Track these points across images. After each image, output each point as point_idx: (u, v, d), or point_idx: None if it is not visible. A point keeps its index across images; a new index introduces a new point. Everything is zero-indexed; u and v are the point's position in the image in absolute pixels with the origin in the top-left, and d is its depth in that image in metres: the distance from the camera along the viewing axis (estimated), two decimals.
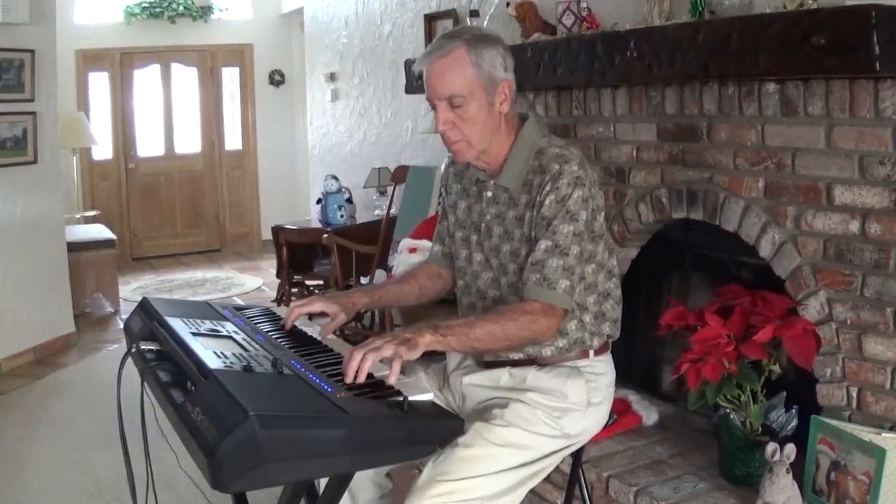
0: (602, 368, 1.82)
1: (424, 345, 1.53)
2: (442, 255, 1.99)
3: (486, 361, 1.82)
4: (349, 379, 1.45)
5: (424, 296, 2.00)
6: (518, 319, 1.61)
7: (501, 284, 1.79)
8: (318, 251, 5.03)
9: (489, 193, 1.80)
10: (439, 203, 4.35)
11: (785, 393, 2.23)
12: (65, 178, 5.52)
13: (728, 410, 2.17)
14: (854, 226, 1.99)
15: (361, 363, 1.46)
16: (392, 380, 1.46)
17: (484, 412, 1.71)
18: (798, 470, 1.99)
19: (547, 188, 1.66)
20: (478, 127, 1.70)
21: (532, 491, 1.72)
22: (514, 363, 1.78)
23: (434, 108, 1.71)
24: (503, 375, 1.77)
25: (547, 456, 1.70)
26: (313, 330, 1.83)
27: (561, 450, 1.73)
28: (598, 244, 1.72)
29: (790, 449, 1.94)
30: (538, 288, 1.64)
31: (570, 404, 1.72)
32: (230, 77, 7.91)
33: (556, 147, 1.72)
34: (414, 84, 3.68)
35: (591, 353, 1.80)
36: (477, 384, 1.80)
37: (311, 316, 1.88)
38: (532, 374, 1.75)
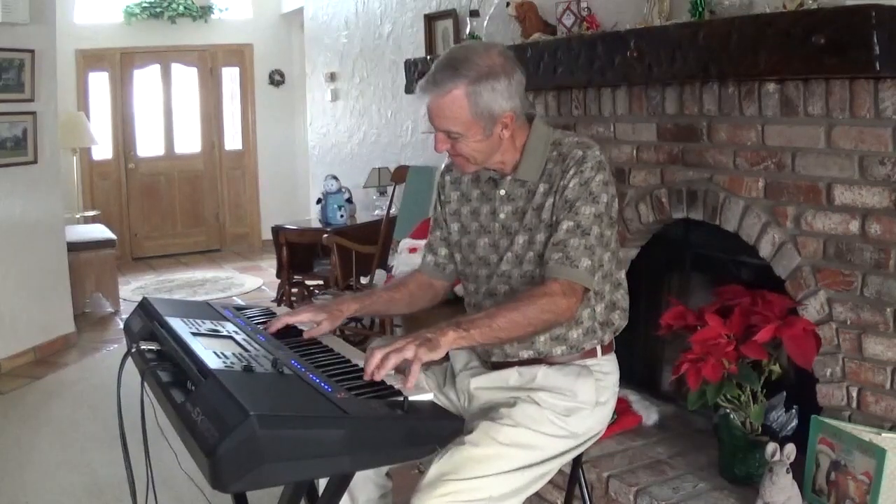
0: (609, 368, 1.83)
1: (448, 344, 1.51)
2: (434, 265, 1.97)
3: (494, 362, 1.82)
4: (367, 377, 1.46)
5: (415, 305, 1.99)
6: (537, 302, 1.60)
7: (513, 277, 1.78)
8: (318, 251, 5.03)
9: (502, 192, 1.79)
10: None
11: (785, 393, 2.23)
12: (65, 178, 5.52)
13: (728, 410, 2.17)
14: (854, 226, 1.99)
15: (383, 362, 1.46)
16: (410, 384, 1.46)
17: (491, 411, 1.71)
18: (798, 470, 1.99)
19: (571, 172, 1.68)
20: (474, 153, 1.72)
21: None
22: (523, 363, 1.78)
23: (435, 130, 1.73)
24: (512, 375, 1.77)
25: (554, 457, 1.70)
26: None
27: (567, 451, 1.73)
28: (612, 231, 1.74)
29: (790, 449, 1.94)
30: (560, 266, 1.64)
31: (580, 403, 1.73)
32: (230, 77, 7.91)
33: (573, 136, 1.76)
34: (414, 84, 3.68)
35: (599, 350, 1.80)
36: (485, 387, 1.80)
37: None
38: (542, 373, 1.75)
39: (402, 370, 1.50)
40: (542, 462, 1.68)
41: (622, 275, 1.85)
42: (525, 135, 1.77)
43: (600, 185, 1.68)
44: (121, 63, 7.36)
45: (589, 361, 1.79)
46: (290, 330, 1.81)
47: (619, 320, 1.84)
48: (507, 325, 1.57)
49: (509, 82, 1.67)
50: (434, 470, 1.55)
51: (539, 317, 1.61)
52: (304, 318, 1.81)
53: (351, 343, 2.19)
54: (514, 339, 1.71)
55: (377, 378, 1.46)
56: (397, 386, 1.48)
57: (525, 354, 1.77)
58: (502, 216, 1.79)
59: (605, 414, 1.81)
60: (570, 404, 1.72)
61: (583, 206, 1.67)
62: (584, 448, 1.80)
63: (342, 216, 5.02)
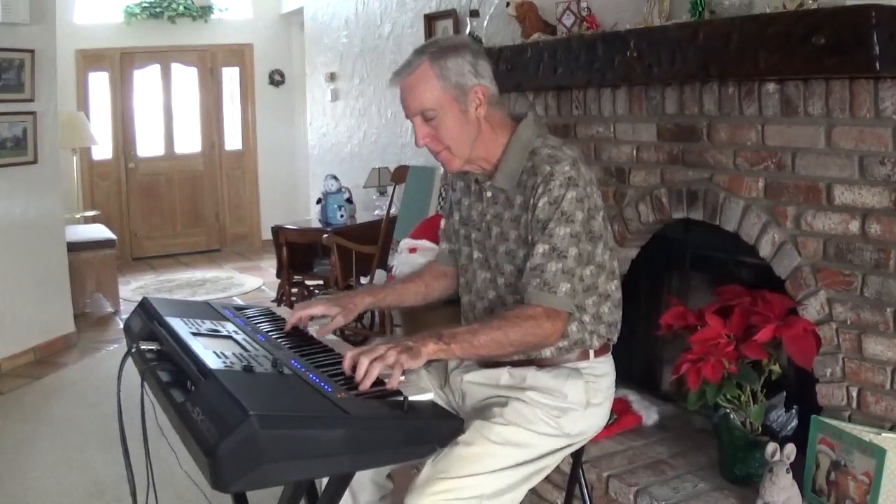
0: (602, 370, 1.82)
1: (427, 354, 1.53)
2: (449, 252, 1.99)
3: (486, 361, 1.82)
4: (362, 387, 1.45)
5: (430, 296, 2.00)
6: (522, 325, 1.62)
7: (499, 284, 1.79)
8: (318, 251, 5.03)
9: (488, 193, 1.80)
10: (441, 202, 4.37)
11: (785, 393, 2.23)
12: (65, 178, 5.52)
13: (728, 410, 2.17)
14: (854, 226, 1.99)
15: (369, 370, 1.46)
16: (392, 386, 1.47)
17: (483, 410, 1.71)
18: (798, 470, 1.99)
19: (539, 190, 1.66)
20: (455, 136, 1.71)
21: (532, 491, 1.72)
22: (514, 363, 1.78)
23: (413, 123, 1.72)
24: (503, 375, 1.77)
25: (546, 455, 1.70)
26: (311, 330, 1.84)
27: (560, 449, 1.73)
28: (597, 245, 1.71)
29: (790, 449, 1.94)
30: (539, 293, 1.64)
31: (570, 404, 1.73)
32: (230, 77, 7.91)
33: (548, 148, 1.71)
34: None
35: (592, 354, 1.80)
36: (477, 382, 1.80)
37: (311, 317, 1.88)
38: (532, 374, 1.75)
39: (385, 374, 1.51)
40: (535, 460, 1.68)
41: (612, 287, 1.81)
42: (508, 135, 1.76)
43: (572, 203, 1.64)
44: (121, 63, 7.36)
45: (580, 364, 1.78)
46: (292, 328, 1.82)
47: (608, 333, 1.83)
48: (489, 343, 1.59)
49: (475, 59, 1.70)
50: (427, 469, 1.56)
51: (522, 339, 1.63)
52: (317, 311, 1.83)
53: (351, 343, 2.19)
54: (494, 358, 1.72)
55: (363, 388, 1.45)
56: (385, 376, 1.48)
57: (515, 357, 1.77)
58: (488, 217, 1.80)
59: (599, 415, 1.80)
60: (561, 405, 1.72)
61: (556, 227, 1.64)
62: (577, 447, 1.80)
63: (342, 216, 5.02)
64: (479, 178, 1.83)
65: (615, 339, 1.86)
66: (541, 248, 1.65)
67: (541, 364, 1.77)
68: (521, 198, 1.72)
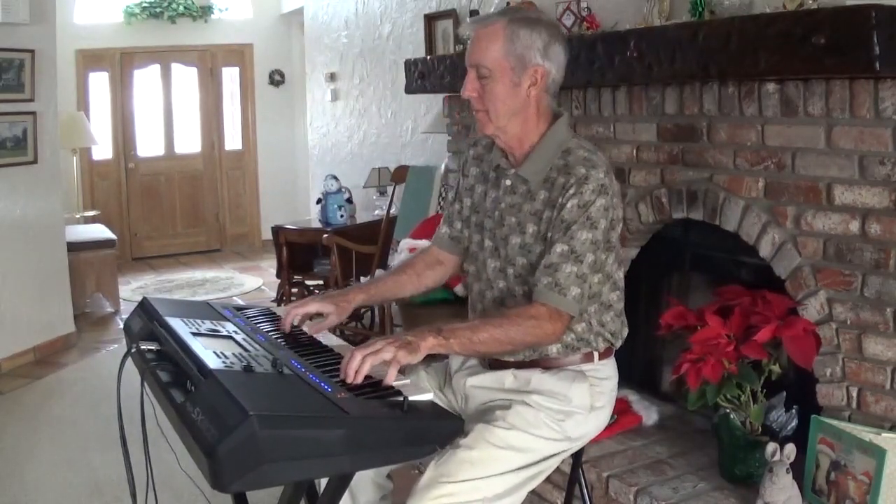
0: (606, 373, 1.81)
1: (426, 349, 1.53)
2: (449, 238, 1.96)
3: (491, 362, 1.81)
4: (349, 379, 1.46)
5: (423, 285, 1.98)
6: (522, 324, 1.61)
7: (508, 274, 1.78)
8: (318, 251, 5.03)
9: (507, 182, 1.78)
10: (440, 201, 4.37)
11: (785, 393, 2.23)
12: (65, 178, 5.52)
13: (728, 410, 2.17)
14: (854, 226, 1.99)
15: (361, 365, 1.46)
16: (388, 382, 1.47)
17: (486, 414, 1.71)
18: (798, 470, 1.99)
19: (571, 191, 1.65)
20: (498, 103, 1.70)
21: (532, 491, 1.72)
22: (519, 365, 1.77)
23: (468, 73, 1.73)
24: (508, 377, 1.77)
25: (547, 458, 1.70)
26: (304, 327, 1.83)
27: (561, 452, 1.73)
28: (609, 255, 1.71)
29: (790, 449, 1.94)
30: (549, 292, 1.63)
31: (574, 408, 1.72)
32: (230, 77, 7.91)
33: (584, 150, 1.71)
34: (414, 84, 3.68)
35: (596, 356, 1.79)
36: (481, 386, 1.79)
37: (311, 317, 1.88)
38: (537, 377, 1.74)
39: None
40: (537, 463, 1.68)
41: (614, 297, 1.81)
42: (546, 126, 1.76)
43: (600, 211, 1.64)
44: (121, 63, 7.36)
45: (585, 366, 1.78)
46: (292, 330, 1.81)
47: (614, 340, 1.82)
48: (489, 340, 1.59)
49: (550, 42, 1.69)
50: (429, 473, 1.55)
51: (522, 339, 1.62)
52: (312, 309, 1.81)
53: (351, 343, 2.19)
54: (492, 355, 1.72)
55: (356, 381, 1.45)
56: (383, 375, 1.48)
57: (521, 356, 1.77)
58: (503, 205, 1.79)
59: (601, 418, 1.80)
60: (565, 408, 1.71)
61: (579, 230, 1.63)
62: (577, 449, 1.80)
63: (342, 216, 5.02)
64: (500, 165, 1.82)
65: (618, 345, 1.85)
66: (559, 248, 1.64)
67: (546, 365, 1.76)
68: (545, 193, 1.71)
